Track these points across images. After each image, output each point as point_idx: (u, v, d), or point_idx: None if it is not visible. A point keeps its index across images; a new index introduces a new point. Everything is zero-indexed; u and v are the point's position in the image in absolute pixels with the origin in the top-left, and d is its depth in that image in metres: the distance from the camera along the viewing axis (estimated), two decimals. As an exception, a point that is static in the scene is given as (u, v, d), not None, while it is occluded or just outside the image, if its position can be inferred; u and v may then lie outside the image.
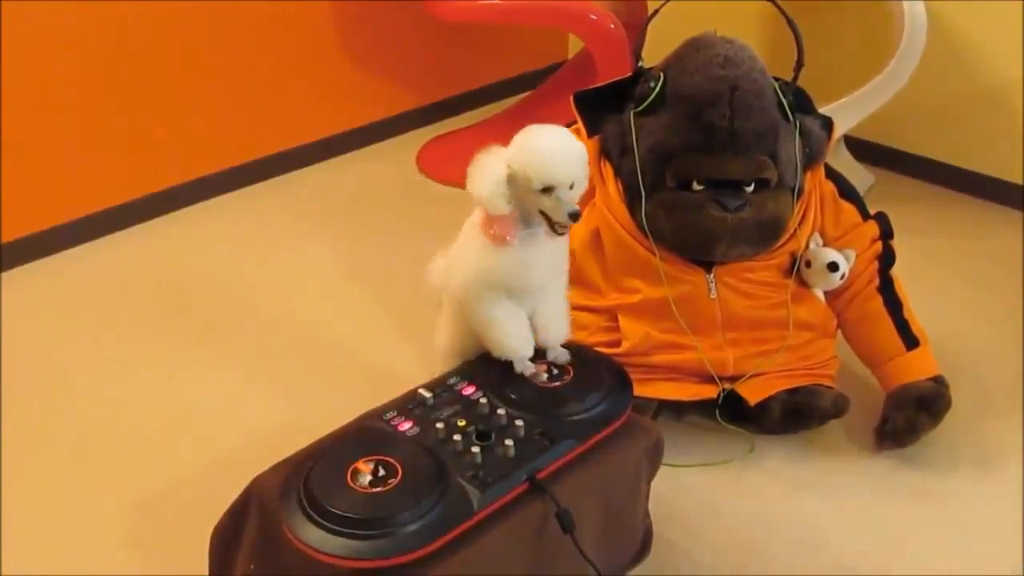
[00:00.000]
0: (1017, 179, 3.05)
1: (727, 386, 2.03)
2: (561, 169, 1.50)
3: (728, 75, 1.88)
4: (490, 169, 1.53)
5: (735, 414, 2.06)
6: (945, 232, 2.96)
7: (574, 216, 1.51)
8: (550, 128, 1.57)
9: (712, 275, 2.00)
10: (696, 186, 1.92)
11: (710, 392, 2.03)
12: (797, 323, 2.04)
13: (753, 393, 2.02)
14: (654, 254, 1.98)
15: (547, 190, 1.51)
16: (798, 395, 2.02)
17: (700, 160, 1.90)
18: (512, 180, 1.52)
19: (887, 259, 2.10)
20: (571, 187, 1.52)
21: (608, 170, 2.02)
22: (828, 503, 1.94)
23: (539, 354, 1.67)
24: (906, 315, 2.07)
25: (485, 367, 1.65)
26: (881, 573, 1.78)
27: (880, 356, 2.08)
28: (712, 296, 2.00)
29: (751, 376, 2.03)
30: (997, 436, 2.11)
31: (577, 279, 2.06)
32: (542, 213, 1.54)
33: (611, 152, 2.00)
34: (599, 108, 2.03)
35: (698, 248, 1.96)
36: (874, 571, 1.79)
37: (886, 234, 2.11)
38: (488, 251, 1.58)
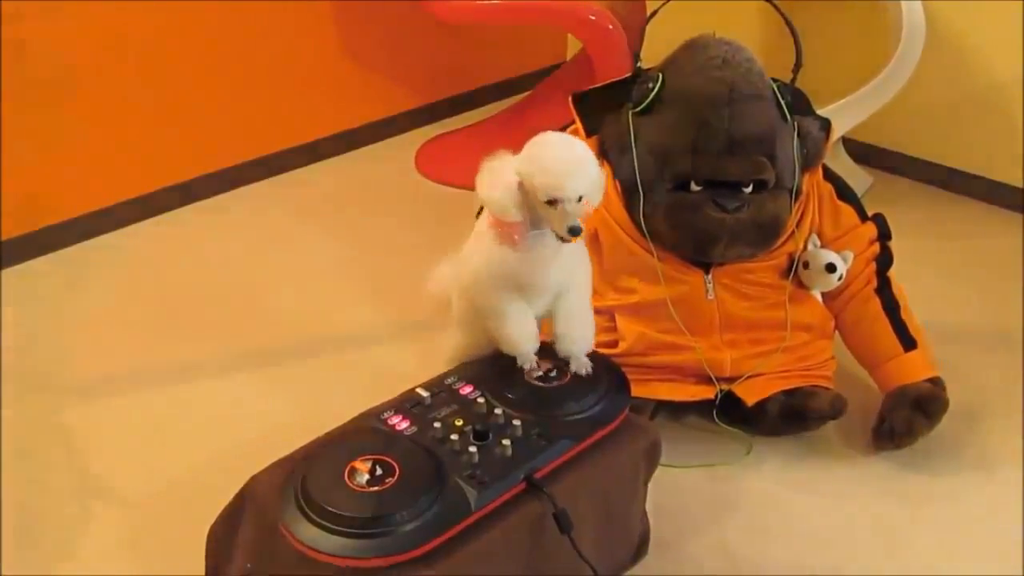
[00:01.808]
0: (1016, 181, 3.05)
1: (724, 387, 2.03)
2: (566, 183, 1.49)
3: (726, 76, 1.88)
4: (501, 176, 1.53)
5: (733, 415, 2.06)
6: (943, 234, 2.96)
7: (573, 231, 1.50)
8: (560, 139, 1.56)
9: (710, 276, 2.00)
10: (694, 187, 1.93)
11: (708, 393, 2.03)
12: (795, 324, 2.04)
13: (751, 394, 2.02)
14: (652, 254, 1.98)
15: (552, 202, 1.50)
16: (795, 396, 2.02)
17: (698, 161, 1.90)
18: (521, 188, 1.53)
19: (885, 260, 2.10)
20: (579, 199, 1.50)
21: (606, 170, 2.02)
22: (825, 504, 1.94)
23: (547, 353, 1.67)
24: (904, 316, 2.07)
25: (483, 367, 1.65)
26: (879, 574, 1.79)
27: (878, 357, 2.08)
28: (710, 297, 2.00)
29: (749, 377, 2.03)
30: (996, 437, 2.11)
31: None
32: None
33: (609, 152, 2.00)
34: (597, 108, 2.04)
35: (696, 249, 1.96)
36: (872, 572, 1.79)
37: (884, 236, 2.11)
38: (498, 248, 1.58)
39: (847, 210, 2.09)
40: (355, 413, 1.57)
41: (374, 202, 3.12)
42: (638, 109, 1.96)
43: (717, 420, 2.06)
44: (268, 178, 3.23)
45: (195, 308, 2.55)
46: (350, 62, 3.34)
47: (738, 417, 2.06)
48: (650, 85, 1.94)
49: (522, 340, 1.62)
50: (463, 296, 1.69)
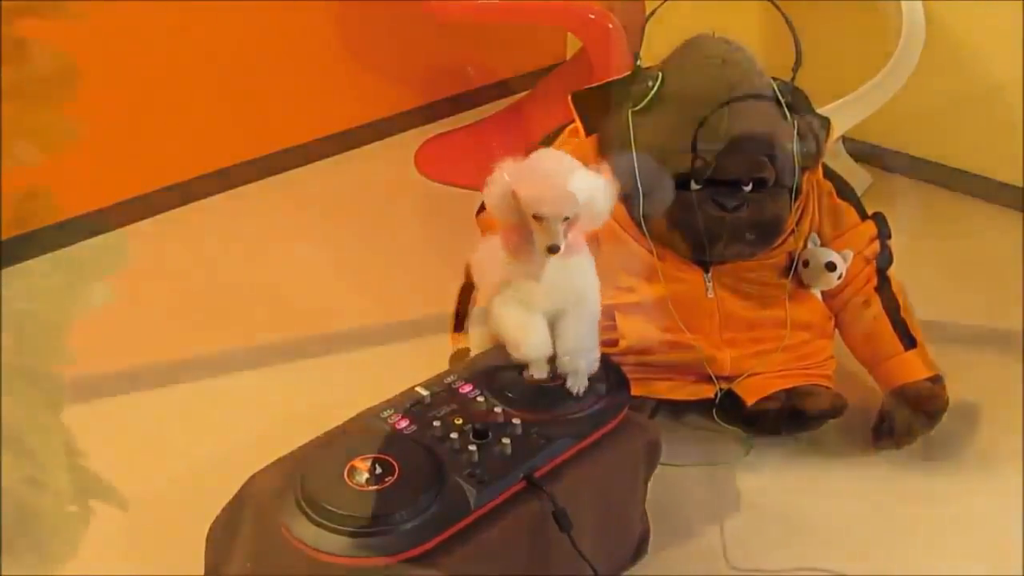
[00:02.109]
0: (1016, 180, 3.05)
1: (724, 386, 2.03)
2: (550, 201, 1.48)
3: (726, 75, 1.89)
4: (497, 182, 1.54)
5: (732, 414, 2.06)
6: (943, 233, 2.95)
7: (551, 249, 1.49)
8: (554, 159, 1.57)
9: (709, 274, 2.00)
10: (694, 185, 1.93)
11: (707, 392, 2.03)
12: (794, 323, 2.04)
13: (750, 393, 2.02)
14: (651, 253, 1.98)
15: (537, 217, 1.50)
16: (795, 395, 2.02)
17: (697, 160, 1.90)
18: (515, 196, 1.53)
19: (884, 259, 2.10)
20: (565, 219, 1.49)
21: (607, 171, 2.02)
22: (825, 504, 1.94)
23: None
24: (904, 315, 2.07)
25: (483, 366, 1.65)
26: (879, 574, 1.78)
27: (878, 356, 2.08)
28: (709, 296, 2.00)
29: (748, 376, 2.03)
30: (997, 436, 2.11)
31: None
32: None
33: (608, 151, 2.00)
34: (597, 107, 2.04)
35: (696, 247, 1.96)
36: (872, 572, 1.79)
37: (883, 234, 2.11)
38: (502, 258, 1.58)
39: (847, 209, 2.09)
40: (355, 412, 1.57)
41: (374, 202, 3.12)
42: (637, 108, 1.96)
43: (717, 419, 2.06)
44: (268, 178, 3.22)
45: (195, 308, 2.55)
46: (349, 62, 3.34)
47: (738, 416, 2.06)
48: (649, 84, 1.94)
49: (532, 343, 1.57)
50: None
